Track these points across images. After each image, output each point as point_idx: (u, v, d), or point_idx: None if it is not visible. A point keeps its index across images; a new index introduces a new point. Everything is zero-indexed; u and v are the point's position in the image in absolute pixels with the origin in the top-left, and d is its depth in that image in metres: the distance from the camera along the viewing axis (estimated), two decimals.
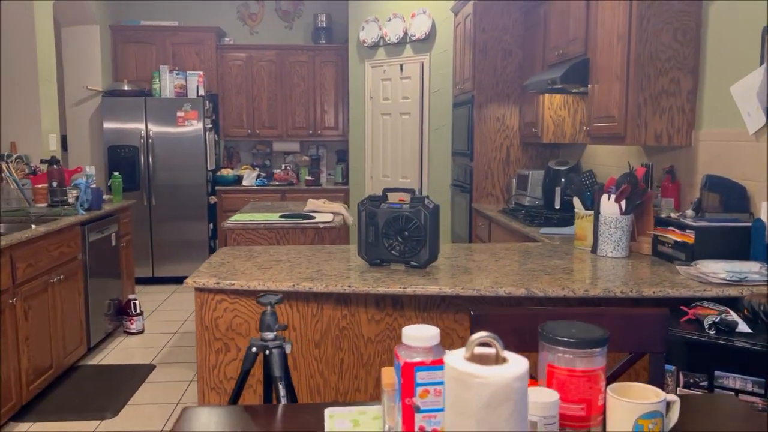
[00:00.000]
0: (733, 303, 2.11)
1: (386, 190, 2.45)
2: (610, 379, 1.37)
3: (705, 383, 1.92)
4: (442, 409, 0.99)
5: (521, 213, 3.88)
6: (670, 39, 2.87)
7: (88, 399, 3.50)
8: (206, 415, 1.19)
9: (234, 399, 1.58)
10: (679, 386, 1.96)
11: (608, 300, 2.20)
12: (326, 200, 4.32)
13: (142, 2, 6.74)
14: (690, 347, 1.94)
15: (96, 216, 4.18)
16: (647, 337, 1.37)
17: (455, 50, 5.35)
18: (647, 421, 1.01)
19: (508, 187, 4.74)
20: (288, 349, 1.59)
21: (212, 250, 6.27)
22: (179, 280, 6.05)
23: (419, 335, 1.02)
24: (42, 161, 4.41)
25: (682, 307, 2.07)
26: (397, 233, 2.38)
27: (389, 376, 1.09)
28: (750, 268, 2.20)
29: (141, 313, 4.68)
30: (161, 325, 4.87)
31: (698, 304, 2.10)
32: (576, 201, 2.86)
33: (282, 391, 1.51)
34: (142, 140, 6.08)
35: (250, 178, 6.61)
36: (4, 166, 4.01)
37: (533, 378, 1.26)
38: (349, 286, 2.18)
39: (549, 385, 1.06)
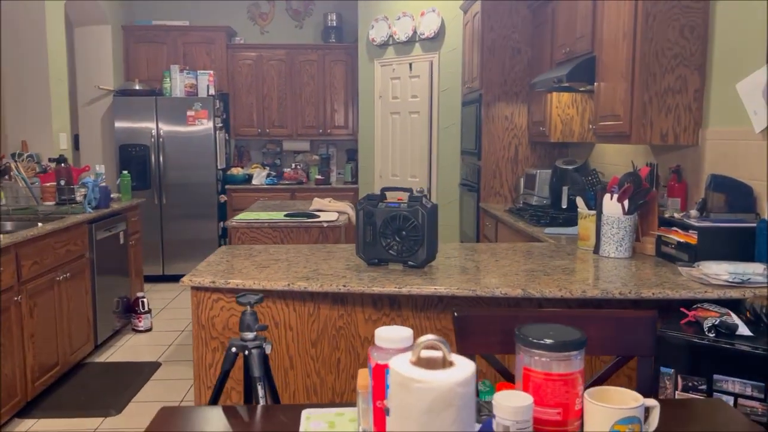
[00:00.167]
0: (735, 305, 2.06)
1: (384, 189, 2.44)
2: (597, 383, 1.35)
3: (704, 387, 1.88)
4: None
5: (528, 213, 3.85)
6: (677, 35, 2.82)
7: (93, 396, 3.52)
8: (183, 415, 1.18)
9: (214, 399, 1.57)
10: (677, 390, 1.92)
11: (607, 301, 2.16)
12: (332, 199, 4.32)
13: (153, 2, 6.78)
14: (689, 350, 1.90)
15: (103, 214, 4.20)
16: (635, 340, 1.34)
17: (464, 48, 5.31)
18: (624, 427, 0.98)
19: (516, 187, 4.70)
20: (268, 350, 1.58)
21: None
22: None
23: (391, 336, 1.01)
24: (50, 160, 4.45)
25: (682, 309, 2.03)
26: (394, 233, 2.36)
27: (364, 377, 1.07)
28: (754, 270, 2.15)
29: (149, 311, 4.71)
30: (169, 323, 4.90)
31: (699, 306, 2.05)
32: (579, 201, 2.83)
33: (261, 392, 1.50)
34: (152, 139, 6.12)
35: (260, 177, 6.63)
36: (13, 164, 4.05)
37: (510, 381, 1.24)
38: (344, 286, 2.16)
39: (525, 389, 1.03)
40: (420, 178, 5.84)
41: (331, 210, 4.08)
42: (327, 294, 2.29)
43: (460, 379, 0.67)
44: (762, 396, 1.79)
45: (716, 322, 1.90)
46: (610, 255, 2.61)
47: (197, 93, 6.16)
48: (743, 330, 1.89)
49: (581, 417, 1.03)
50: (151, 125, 6.11)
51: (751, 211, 2.46)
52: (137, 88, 6.18)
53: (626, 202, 2.57)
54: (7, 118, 4.88)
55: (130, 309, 4.69)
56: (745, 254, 2.30)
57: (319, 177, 6.70)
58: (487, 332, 1.34)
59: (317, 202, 4.21)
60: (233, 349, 1.57)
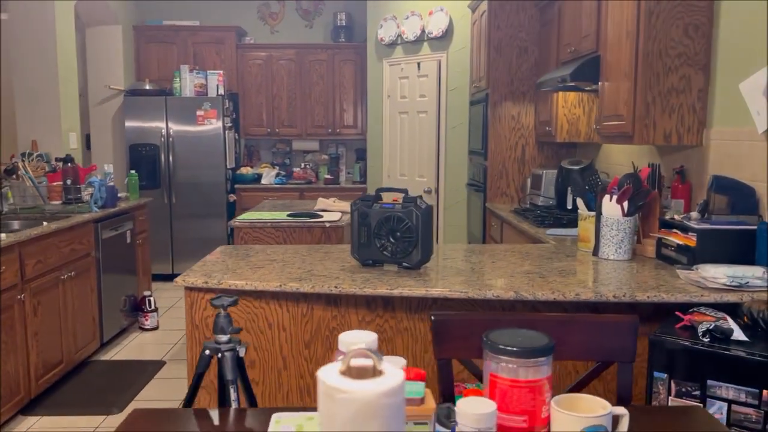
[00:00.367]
0: (733, 309, 2.02)
1: (379, 190, 2.42)
2: (576, 389, 1.32)
3: (698, 392, 1.84)
4: None
5: (533, 213, 3.81)
6: (681, 34, 2.77)
7: (96, 394, 3.55)
8: (154, 417, 1.18)
9: (188, 402, 1.57)
10: (671, 395, 1.89)
11: (602, 304, 2.13)
12: (336, 199, 4.31)
13: (164, 2, 6.82)
14: (682, 355, 1.86)
15: (109, 213, 4.23)
16: (615, 345, 1.31)
17: (472, 48, 5.28)
18: None
19: (523, 187, 4.66)
20: (242, 353, 1.57)
21: None
22: None
23: (356, 341, 1.00)
24: (56, 159, 4.49)
25: (677, 312, 1.99)
26: (388, 234, 2.35)
27: None
28: (753, 273, 2.10)
29: (156, 310, 4.74)
30: (176, 321, 4.92)
31: (695, 310, 2.01)
32: (579, 202, 2.79)
33: (233, 395, 1.49)
34: (162, 139, 6.16)
35: (269, 176, 6.64)
36: (20, 164, 4.10)
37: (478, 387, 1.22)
38: (336, 287, 2.15)
39: (491, 396, 1.02)
40: (428, 177, 5.82)
41: (334, 210, 4.07)
42: (320, 295, 2.28)
43: (385, 390, 0.66)
44: (756, 402, 1.75)
45: (711, 327, 1.87)
46: (610, 257, 2.57)
47: (207, 93, 6.19)
48: (738, 335, 1.85)
49: (548, 425, 1.01)
50: (161, 125, 6.15)
51: (754, 213, 2.41)
52: (147, 88, 6.22)
53: (625, 204, 2.53)
54: (19, 118, 4.93)
55: (137, 307, 4.72)
56: (746, 257, 2.26)
57: (329, 177, 6.70)
58: (464, 336, 1.32)
59: (321, 202, 4.21)
60: (207, 352, 1.57)
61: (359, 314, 2.31)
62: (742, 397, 1.77)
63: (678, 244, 2.40)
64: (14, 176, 4.06)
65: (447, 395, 1.34)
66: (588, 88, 3.68)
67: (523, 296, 2.07)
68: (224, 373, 1.52)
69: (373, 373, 0.67)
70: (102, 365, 4.00)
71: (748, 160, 2.49)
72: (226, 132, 6.24)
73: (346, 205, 4.12)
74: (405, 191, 2.41)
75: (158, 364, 4.00)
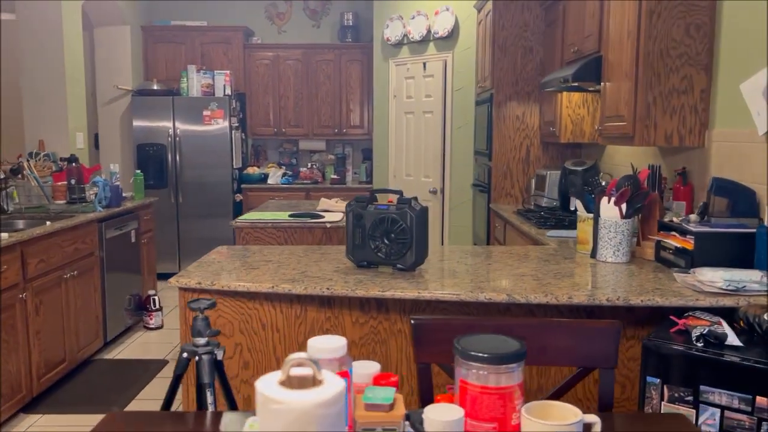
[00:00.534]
0: (729, 313, 1.99)
1: (374, 191, 2.42)
2: (555, 395, 1.31)
3: (690, 398, 1.82)
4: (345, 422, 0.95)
5: (536, 215, 3.78)
6: (682, 34, 2.73)
7: (98, 392, 3.57)
8: (128, 420, 1.18)
9: (166, 405, 1.57)
10: (663, 401, 1.86)
11: (598, 308, 2.11)
12: (339, 199, 4.31)
13: (172, 2, 6.86)
14: (675, 360, 1.83)
15: (113, 213, 4.25)
16: (597, 351, 1.29)
17: (478, 47, 5.25)
18: None
19: (527, 188, 4.63)
20: (220, 356, 1.57)
21: None
22: None
23: (325, 347, 0.99)
24: (61, 159, 4.52)
25: (671, 317, 1.97)
26: (383, 235, 2.34)
27: None
28: (750, 277, 2.07)
29: (160, 309, 4.76)
30: None
31: (691, 314, 1.99)
32: (578, 203, 2.77)
33: (210, 398, 1.49)
34: (169, 138, 6.18)
35: (275, 176, 6.65)
36: (25, 164, 4.13)
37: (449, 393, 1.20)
38: (328, 289, 2.15)
39: (462, 402, 1.00)
40: (433, 178, 5.80)
41: (336, 210, 4.07)
42: (314, 296, 2.28)
43: (322, 400, 0.65)
44: (749, 409, 1.72)
45: (705, 332, 1.84)
46: (608, 259, 2.55)
47: (214, 93, 6.21)
48: (733, 340, 1.82)
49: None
50: (168, 125, 6.18)
51: (755, 215, 2.37)
52: (155, 87, 6.25)
53: (623, 206, 2.50)
54: (26, 118, 4.98)
55: (142, 306, 4.74)
56: (745, 261, 2.22)
57: (335, 176, 6.70)
58: (445, 341, 1.31)
59: (324, 202, 4.20)
60: (185, 355, 1.57)
61: (353, 316, 2.30)
62: (735, 404, 1.74)
63: (676, 247, 2.37)
64: (19, 176, 4.10)
65: (426, 400, 1.33)
66: (591, 89, 3.65)
67: (515, 299, 2.05)
68: (201, 375, 1.52)
69: (313, 382, 0.66)
70: (105, 364, 4.03)
71: (749, 162, 2.45)
72: (233, 132, 6.25)
73: None
74: (400, 192, 2.39)
75: (161, 363, 4.02)
